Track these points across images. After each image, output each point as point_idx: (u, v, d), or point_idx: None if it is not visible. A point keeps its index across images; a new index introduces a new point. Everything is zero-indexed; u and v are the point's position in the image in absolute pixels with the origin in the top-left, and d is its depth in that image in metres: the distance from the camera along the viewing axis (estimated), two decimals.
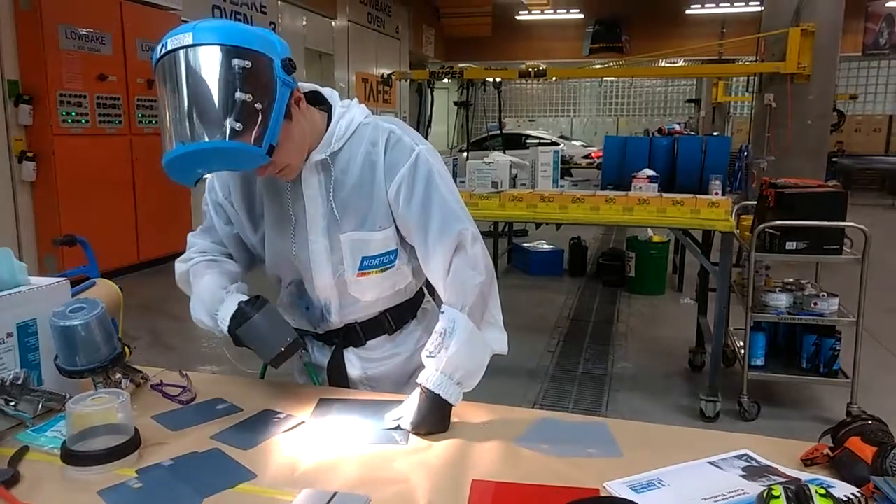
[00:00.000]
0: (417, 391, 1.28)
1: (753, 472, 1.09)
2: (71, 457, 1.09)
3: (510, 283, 6.45)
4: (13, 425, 1.24)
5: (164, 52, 1.10)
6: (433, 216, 1.31)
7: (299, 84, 1.25)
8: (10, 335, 1.24)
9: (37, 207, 5.95)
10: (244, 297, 1.34)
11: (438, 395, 1.26)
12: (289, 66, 1.13)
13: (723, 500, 1.00)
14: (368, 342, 1.48)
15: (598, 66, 13.45)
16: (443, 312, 1.31)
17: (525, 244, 7.33)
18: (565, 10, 16.10)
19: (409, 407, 1.28)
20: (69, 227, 5.51)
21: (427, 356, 1.29)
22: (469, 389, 1.30)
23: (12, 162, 5.75)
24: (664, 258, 6.14)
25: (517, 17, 16.51)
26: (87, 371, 1.27)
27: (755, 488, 1.02)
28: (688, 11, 15.55)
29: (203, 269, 1.42)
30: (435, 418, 1.26)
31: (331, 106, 1.35)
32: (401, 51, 14.89)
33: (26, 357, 1.28)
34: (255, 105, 1.08)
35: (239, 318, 1.30)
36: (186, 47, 1.08)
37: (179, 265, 1.47)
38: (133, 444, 1.14)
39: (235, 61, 1.07)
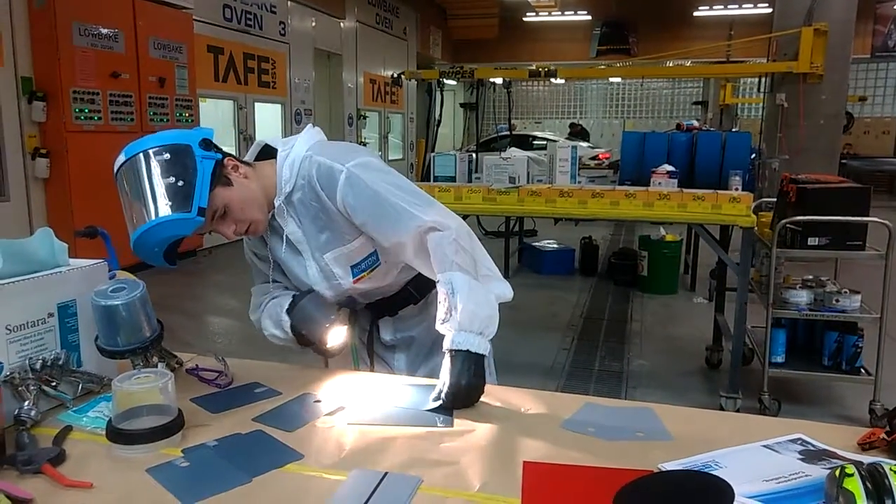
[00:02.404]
0: (447, 360, 1.28)
1: (811, 455, 1.07)
2: (117, 435, 1.08)
3: (521, 282, 6.42)
4: (54, 406, 1.22)
5: (114, 174, 1.34)
6: (384, 223, 1.40)
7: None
8: (51, 315, 1.23)
9: (49, 204, 5.96)
10: None
11: (467, 350, 1.27)
12: (204, 144, 1.33)
13: (784, 481, 0.98)
14: (399, 312, 1.63)
15: (604, 67, 13.43)
16: (438, 281, 1.35)
17: (535, 243, 7.31)
18: (572, 12, 16.05)
19: (443, 377, 1.28)
20: (82, 224, 5.51)
21: (442, 323, 1.32)
22: (492, 335, 1.32)
23: (26, 158, 5.77)
24: (677, 257, 6.12)
25: (524, 19, 16.48)
26: (127, 352, 1.26)
27: (816, 471, 1.00)
28: (695, 13, 15.50)
29: (266, 309, 1.56)
30: (470, 375, 1.26)
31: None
32: (408, 52, 14.90)
33: (66, 338, 1.26)
34: (178, 183, 1.28)
35: (291, 306, 1.46)
36: (121, 166, 1.32)
37: (255, 316, 1.60)
38: (178, 424, 1.13)
39: (156, 158, 1.29)
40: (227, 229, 1.38)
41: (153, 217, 1.26)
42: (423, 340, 1.65)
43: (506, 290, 1.41)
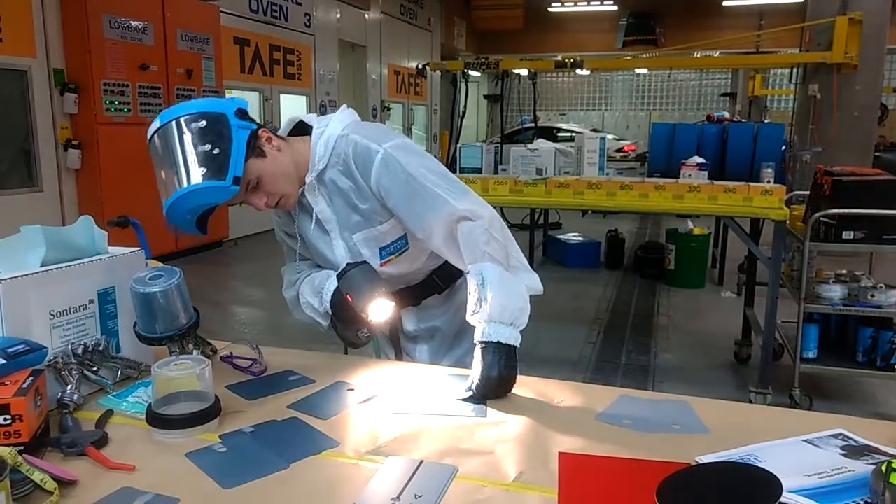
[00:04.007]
0: (478, 352, 1.28)
1: (853, 450, 1.05)
2: (157, 420, 1.10)
3: (546, 275, 6.34)
4: (94, 391, 1.25)
5: (147, 138, 1.34)
6: (416, 207, 1.38)
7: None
8: (91, 301, 1.25)
9: (81, 194, 6.07)
10: None
11: (498, 342, 1.27)
12: (240, 114, 1.32)
13: (827, 477, 0.96)
14: (423, 302, 1.61)
15: (630, 57, 13.26)
16: (468, 272, 1.34)
17: (560, 236, 7.27)
18: (599, 3, 15.88)
19: (475, 370, 1.27)
20: (112, 214, 5.61)
21: (472, 315, 1.31)
22: (523, 326, 1.31)
23: (58, 150, 5.87)
24: (705, 251, 6.04)
25: (549, 10, 16.35)
26: (165, 338, 1.28)
27: (859, 466, 0.98)
28: (725, 3, 15.21)
29: (308, 278, 1.55)
30: (501, 366, 1.26)
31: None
32: (432, 43, 14.86)
33: (106, 324, 1.29)
34: (214, 151, 1.27)
35: (342, 273, 1.42)
36: (156, 131, 1.31)
37: (288, 293, 1.59)
38: (215, 410, 1.14)
39: (192, 125, 1.29)
40: (258, 201, 1.37)
41: (187, 184, 1.25)
42: (447, 331, 1.64)
43: (536, 283, 1.39)
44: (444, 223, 1.36)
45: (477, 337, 1.29)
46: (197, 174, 1.25)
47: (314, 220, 1.46)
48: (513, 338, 1.28)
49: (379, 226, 1.44)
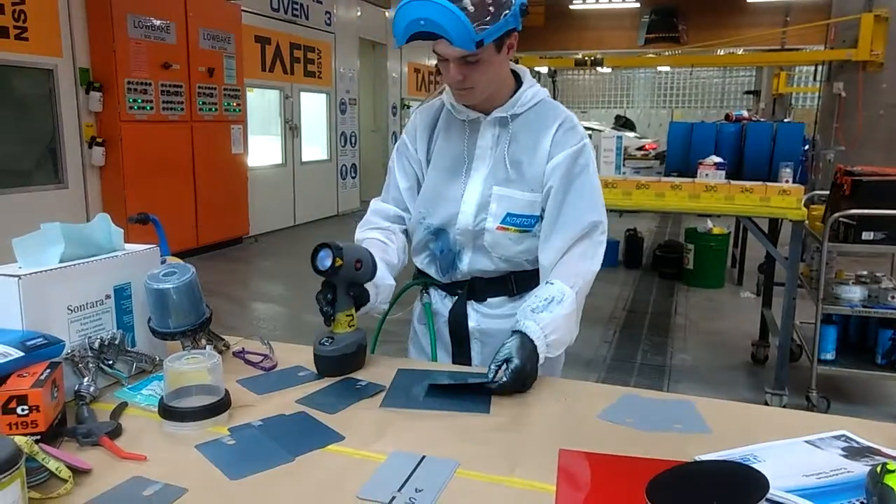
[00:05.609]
0: (518, 339, 1.31)
1: (855, 452, 1.05)
2: (169, 413, 1.13)
3: None
4: (110, 384, 1.29)
5: None
6: (573, 201, 1.44)
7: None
8: (108, 297, 1.29)
9: (105, 191, 6.18)
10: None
11: (536, 346, 1.32)
12: (522, 9, 1.33)
13: (825, 477, 0.97)
14: (489, 299, 1.58)
15: (652, 55, 13.16)
16: (551, 283, 1.40)
17: None
18: (621, 0, 15.76)
19: (513, 353, 1.29)
20: (134, 210, 5.71)
21: (530, 311, 1.36)
22: (552, 356, 1.37)
23: (83, 147, 5.99)
24: (724, 251, 5.99)
25: (571, 7, 16.23)
26: (178, 333, 1.31)
27: (859, 468, 0.98)
28: None
29: (370, 245, 1.50)
30: (533, 364, 1.30)
31: (520, 78, 1.52)
32: None
33: (121, 319, 1.32)
34: (490, 8, 1.27)
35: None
36: None
37: (359, 231, 1.61)
38: (225, 404, 1.17)
39: None
40: (456, 72, 1.36)
41: (454, 6, 1.23)
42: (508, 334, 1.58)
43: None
44: (580, 229, 1.43)
45: (520, 327, 1.34)
46: (466, 5, 1.24)
47: (466, 153, 1.49)
48: (541, 353, 1.34)
49: (524, 192, 1.46)
